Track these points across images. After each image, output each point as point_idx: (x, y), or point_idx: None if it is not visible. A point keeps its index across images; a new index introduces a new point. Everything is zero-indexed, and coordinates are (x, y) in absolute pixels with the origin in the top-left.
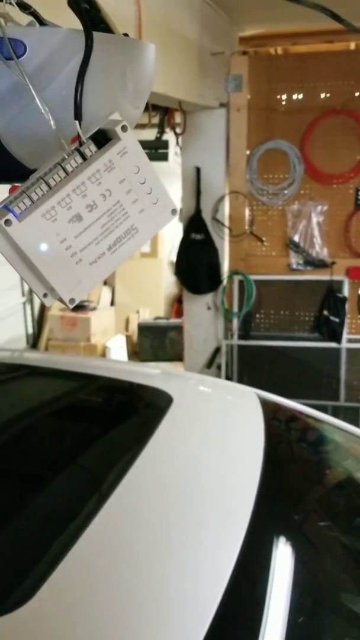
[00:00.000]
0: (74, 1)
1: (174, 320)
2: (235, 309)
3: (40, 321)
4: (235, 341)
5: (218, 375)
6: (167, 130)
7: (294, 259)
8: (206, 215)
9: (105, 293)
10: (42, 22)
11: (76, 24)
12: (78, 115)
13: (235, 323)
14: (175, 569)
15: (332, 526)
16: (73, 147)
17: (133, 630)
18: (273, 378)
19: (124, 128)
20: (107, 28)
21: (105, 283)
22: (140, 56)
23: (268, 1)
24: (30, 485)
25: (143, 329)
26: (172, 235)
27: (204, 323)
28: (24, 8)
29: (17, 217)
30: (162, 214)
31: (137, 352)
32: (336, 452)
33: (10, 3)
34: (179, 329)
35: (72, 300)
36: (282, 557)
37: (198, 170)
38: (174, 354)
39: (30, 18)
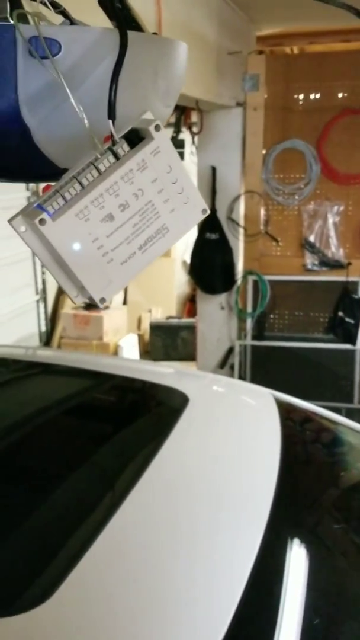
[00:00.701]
0: (108, 0)
1: (186, 320)
2: (249, 309)
3: (53, 319)
4: (249, 341)
5: (231, 376)
6: (184, 129)
7: (309, 260)
8: (221, 215)
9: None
10: (71, 20)
11: (103, 22)
12: (112, 115)
13: (249, 323)
14: (193, 570)
15: (350, 529)
16: (106, 146)
17: (152, 630)
18: (286, 379)
19: (157, 127)
20: (138, 27)
21: None
22: (172, 55)
23: (286, 0)
24: (45, 484)
25: (155, 328)
26: (186, 234)
27: (218, 323)
28: (55, 7)
29: (51, 217)
30: (193, 213)
31: (148, 352)
32: (352, 454)
33: (44, 3)
34: (191, 328)
35: (102, 300)
36: (300, 560)
37: (214, 169)
38: (186, 354)
39: (60, 17)
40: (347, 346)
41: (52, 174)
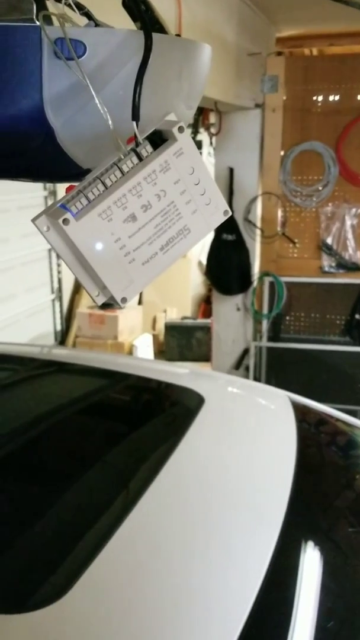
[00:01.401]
0: (132, 2)
1: (200, 321)
2: (265, 310)
3: (68, 318)
4: (264, 343)
5: (246, 377)
6: (201, 130)
7: (326, 262)
8: (238, 216)
9: None
10: (95, 22)
11: (125, 24)
12: (136, 116)
13: (265, 325)
14: (207, 571)
15: None
16: (129, 147)
17: (165, 629)
18: (302, 381)
19: (180, 129)
20: (161, 29)
21: None
22: (196, 57)
23: (307, 2)
24: (60, 482)
25: (170, 328)
26: None
27: (233, 324)
28: (79, 8)
29: (75, 216)
30: (215, 215)
31: (163, 352)
32: None
33: (69, 5)
34: (205, 329)
35: (124, 300)
36: (315, 562)
37: (231, 170)
38: (201, 354)
39: (85, 19)
40: None
41: (75, 174)
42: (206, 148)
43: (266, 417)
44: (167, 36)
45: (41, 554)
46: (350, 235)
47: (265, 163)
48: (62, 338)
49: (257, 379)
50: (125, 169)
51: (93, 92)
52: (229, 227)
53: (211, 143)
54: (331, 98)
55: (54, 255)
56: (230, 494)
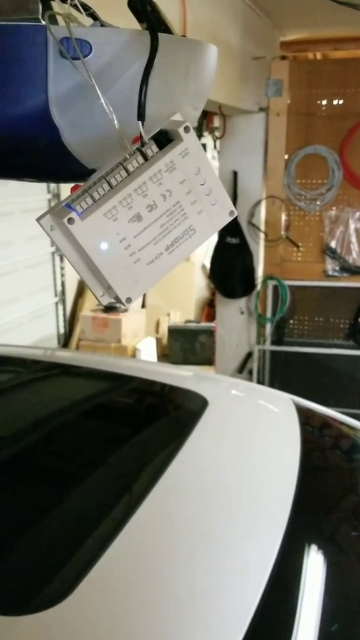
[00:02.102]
0: (138, 3)
1: (204, 324)
2: (269, 314)
3: (71, 321)
4: (268, 346)
5: (249, 380)
6: (206, 133)
7: (330, 265)
8: (242, 220)
9: None
10: (101, 22)
11: (131, 25)
12: (141, 116)
13: (269, 328)
14: (210, 574)
15: None
16: (135, 147)
17: (168, 632)
18: (305, 385)
19: (186, 129)
20: (167, 29)
21: None
22: (202, 58)
23: (311, 6)
24: (64, 485)
25: (173, 332)
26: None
27: (237, 327)
28: (85, 9)
29: (80, 216)
30: (220, 215)
31: (167, 355)
32: None
33: (75, 6)
34: (209, 332)
35: (128, 300)
36: (318, 566)
37: (235, 174)
38: (204, 358)
39: (90, 20)
40: None
41: (80, 174)
42: (210, 151)
43: (270, 420)
44: (173, 36)
45: (45, 556)
46: (354, 239)
47: (269, 167)
48: (65, 341)
49: (260, 382)
50: (130, 168)
51: (99, 92)
52: (232, 230)
53: (215, 146)
54: (335, 102)
55: (57, 258)
56: (234, 497)
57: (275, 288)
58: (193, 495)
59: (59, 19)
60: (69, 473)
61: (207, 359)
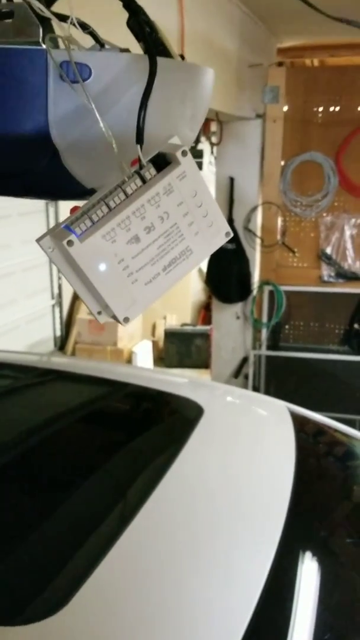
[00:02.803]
0: (137, 26)
1: (200, 327)
2: (265, 319)
3: (68, 324)
4: (264, 351)
5: (245, 385)
6: (202, 139)
7: (326, 271)
8: (238, 225)
9: None
10: (99, 41)
11: (129, 40)
12: (140, 139)
13: (264, 333)
14: (206, 581)
15: None
16: (133, 170)
17: None
18: (301, 390)
19: (184, 153)
20: (165, 50)
21: None
22: (199, 81)
23: (307, 13)
24: (59, 492)
25: (169, 335)
26: None
27: (233, 332)
28: (84, 28)
29: (79, 238)
30: (216, 236)
31: (162, 358)
32: None
33: (74, 25)
34: (205, 336)
35: (126, 319)
36: (314, 573)
37: (232, 180)
38: (200, 361)
39: (89, 38)
40: None
41: (79, 193)
42: (207, 157)
43: (265, 428)
44: (172, 60)
45: (39, 565)
46: (349, 245)
47: (266, 173)
48: (61, 344)
49: (256, 387)
50: (129, 191)
51: (97, 115)
52: None
53: (212, 152)
54: (332, 109)
55: None
56: (229, 505)
57: (271, 293)
58: (189, 503)
59: (59, 41)
60: (64, 482)
61: (203, 362)
